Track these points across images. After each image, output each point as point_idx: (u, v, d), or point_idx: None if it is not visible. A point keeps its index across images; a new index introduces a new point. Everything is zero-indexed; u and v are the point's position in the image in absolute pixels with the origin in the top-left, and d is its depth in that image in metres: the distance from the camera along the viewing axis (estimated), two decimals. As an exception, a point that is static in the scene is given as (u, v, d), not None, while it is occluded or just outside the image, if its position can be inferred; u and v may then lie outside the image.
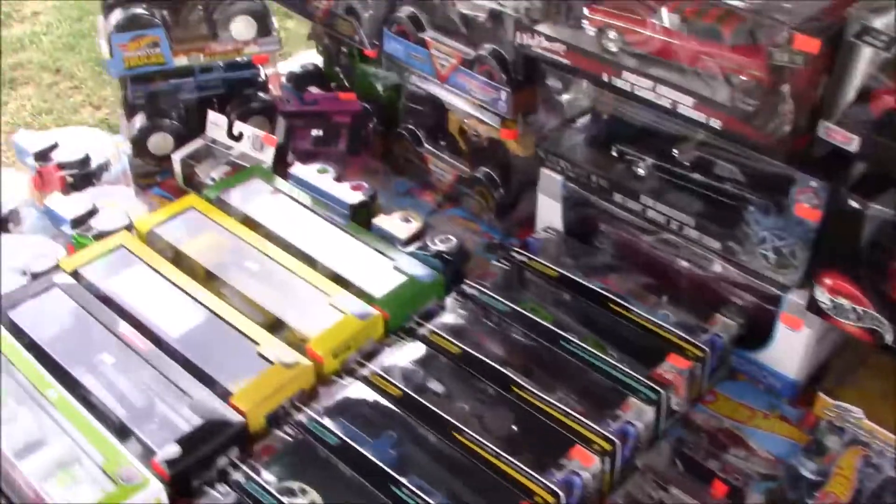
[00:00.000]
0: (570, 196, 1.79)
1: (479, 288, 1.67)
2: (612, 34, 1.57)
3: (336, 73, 2.34)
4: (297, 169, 1.97)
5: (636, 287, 1.71)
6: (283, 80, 2.35)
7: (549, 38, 1.64)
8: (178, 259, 1.74)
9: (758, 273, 1.56)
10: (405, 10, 1.96)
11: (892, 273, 1.39)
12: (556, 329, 1.58)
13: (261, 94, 2.20)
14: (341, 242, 1.79)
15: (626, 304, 1.63)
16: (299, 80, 2.34)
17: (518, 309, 1.62)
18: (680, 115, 1.50)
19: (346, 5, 2.04)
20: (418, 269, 1.68)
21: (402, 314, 1.61)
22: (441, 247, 1.76)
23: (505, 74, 1.80)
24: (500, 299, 1.64)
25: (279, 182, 1.95)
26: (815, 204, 1.42)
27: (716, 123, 1.47)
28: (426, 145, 2.10)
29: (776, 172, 1.49)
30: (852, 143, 1.36)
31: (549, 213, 1.83)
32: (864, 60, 1.29)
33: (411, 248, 1.76)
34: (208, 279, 1.69)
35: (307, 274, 1.69)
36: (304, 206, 1.88)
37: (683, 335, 1.56)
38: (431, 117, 2.09)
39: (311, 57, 2.44)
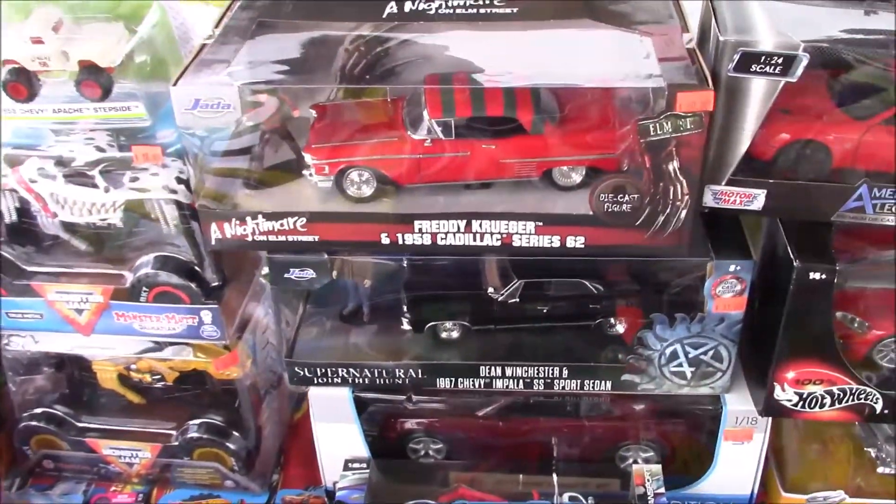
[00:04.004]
0: (366, 408, 1.22)
1: None
2: (361, 174, 1.05)
3: None
4: None
5: (508, 480, 1.23)
6: None
7: (272, 217, 1.04)
8: None
9: (669, 396, 1.17)
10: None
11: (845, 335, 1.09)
12: None
13: None
14: None
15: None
16: None
17: None
18: (516, 251, 1.04)
19: None
20: None
21: None
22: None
23: (199, 289, 1.15)
24: None
25: None
26: (739, 290, 1.06)
27: (577, 242, 1.03)
28: (82, 424, 1.34)
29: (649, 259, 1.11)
30: (755, 200, 1.03)
31: (344, 441, 1.24)
32: (757, 96, 0.95)
33: None
34: None
35: None
36: None
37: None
38: (69, 385, 1.35)
39: None
